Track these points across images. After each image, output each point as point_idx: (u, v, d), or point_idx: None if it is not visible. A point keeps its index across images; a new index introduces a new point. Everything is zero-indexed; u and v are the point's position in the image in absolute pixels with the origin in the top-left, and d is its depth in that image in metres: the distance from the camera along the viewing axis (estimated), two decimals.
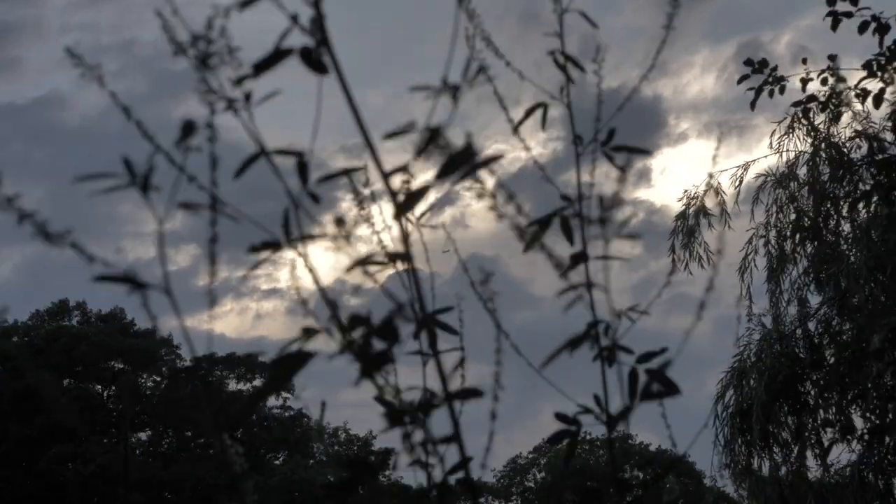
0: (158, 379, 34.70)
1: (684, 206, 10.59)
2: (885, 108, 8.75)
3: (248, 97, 1.39)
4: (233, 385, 35.41)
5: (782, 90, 8.93)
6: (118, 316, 35.20)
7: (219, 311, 43.21)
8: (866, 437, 9.95)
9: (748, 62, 8.81)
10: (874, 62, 8.04)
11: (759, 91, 8.82)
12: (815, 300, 10.44)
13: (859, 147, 10.01)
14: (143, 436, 34.56)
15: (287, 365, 1.34)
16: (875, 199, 9.43)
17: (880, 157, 9.50)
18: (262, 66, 1.37)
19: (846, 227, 10.24)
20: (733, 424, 10.40)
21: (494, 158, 1.42)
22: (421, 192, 1.41)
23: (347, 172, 1.53)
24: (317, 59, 1.36)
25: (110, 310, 35.45)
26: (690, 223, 10.46)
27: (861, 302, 9.54)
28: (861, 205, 9.64)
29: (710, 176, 9.64)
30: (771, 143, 10.63)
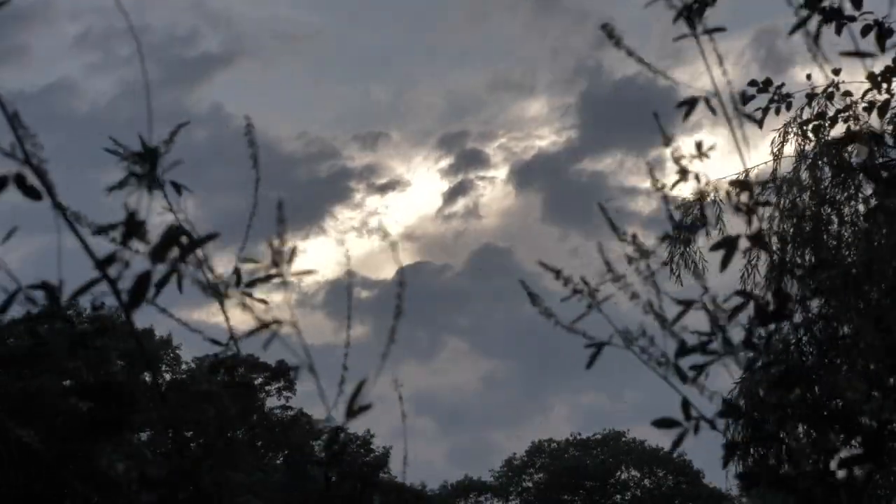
0: (161, 381, 34.55)
1: (681, 214, 10.58)
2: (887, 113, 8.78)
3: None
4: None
5: (789, 107, 9.10)
6: (111, 314, 34.86)
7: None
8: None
9: (752, 82, 8.96)
10: (879, 76, 8.14)
11: (766, 111, 8.99)
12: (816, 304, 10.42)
13: (861, 150, 10.00)
14: (143, 436, 34.44)
15: None
16: (874, 202, 9.44)
17: (881, 160, 9.50)
18: None
19: (847, 231, 10.23)
20: (750, 438, 10.40)
21: (194, 245, 1.42)
22: (145, 280, 1.41)
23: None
24: (31, 185, 1.37)
25: (101, 304, 35.03)
26: (685, 234, 10.49)
27: (856, 309, 9.53)
28: (861, 207, 9.65)
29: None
30: (772, 150, 10.66)
